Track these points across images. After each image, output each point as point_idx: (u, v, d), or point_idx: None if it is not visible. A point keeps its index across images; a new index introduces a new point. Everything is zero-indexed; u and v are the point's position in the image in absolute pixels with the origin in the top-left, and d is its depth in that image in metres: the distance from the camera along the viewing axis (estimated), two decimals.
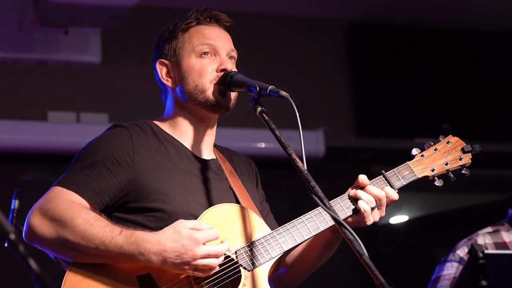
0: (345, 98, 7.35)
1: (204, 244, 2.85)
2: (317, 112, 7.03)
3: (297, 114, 2.86)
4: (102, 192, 2.99)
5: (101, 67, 6.64)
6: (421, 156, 3.25)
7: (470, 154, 3.32)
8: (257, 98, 3.00)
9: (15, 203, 4.50)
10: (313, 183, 2.81)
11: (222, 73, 3.16)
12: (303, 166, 2.84)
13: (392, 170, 3.21)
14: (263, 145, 6.72)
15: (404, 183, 3.21)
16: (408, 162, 3.24)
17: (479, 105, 7.52)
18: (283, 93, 2.94)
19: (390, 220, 7.77)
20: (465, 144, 3.32)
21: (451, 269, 4.17)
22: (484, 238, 4.22)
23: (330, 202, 3.04)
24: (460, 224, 7.12)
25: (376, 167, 6.98)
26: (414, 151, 3.26)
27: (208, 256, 2.85)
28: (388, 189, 3.14)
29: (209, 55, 3.19)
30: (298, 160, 2.85)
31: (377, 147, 7.26)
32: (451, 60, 7.56)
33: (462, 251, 4.20)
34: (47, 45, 6.43)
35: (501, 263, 3.43)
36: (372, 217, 3.12)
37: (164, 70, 3.24)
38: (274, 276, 3.19)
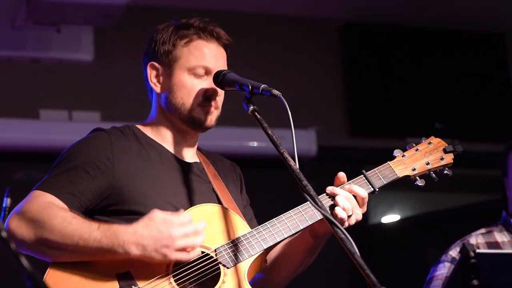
0: (338, 97, 7.36)
1: (180, 226, 2.86)
2: (309, 111, 7.03)
3: (289, 113, 2.87)
4: (81, 195, 3.01)
5: (93, 66, 6.63)
6: (402, 156, 3.28)
7: (452, 154, 3.32)
8: (250, 97, 3.02)
9: (7, 201, 4.50)
10: (305, 182, 2.82)
11: (210, 97, 3.17)
12: (295, 165, 2.85)
13: (373, 170, 3.23)
14: (255, 144, 6.72)
15: (385, 182, 3.23)
16: (389, 162, 3.26)
17: (471, 105, 7.53)
18: (275, 92, 2.95)
19: (382, 220, 7.78)
20: (447, 145, 3.33)
21: (443, 269, 4.20)
22: (476, 238, 4.25)
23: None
24: (452, 223, 7.13)
25: (369, 166, 6.93)
26: (396, 152, 3.29)
27: (186, 236, 2.86)
28: (354, 187, 3.14)
29: (202, 74, 3.19)
30: (290, 159, 2.86)
31: (369, 147, 7.26)
32: (444, 60, 7.57)
33: (454, 252, 4.23)
34: (39, 43, 6.42)
35: (492, 262, 3.44)
36: (347, 223, 3.10)
37: (154, 73, 3.24)
38: (256, 280, 3.19)
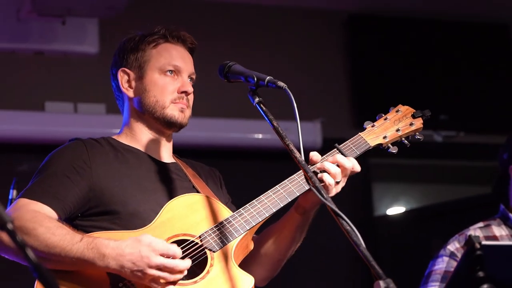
0: (343, 89, 7.35)
1: (162, 255, 2.85)
2: (314, 103, 7.03)
3: (295, 105, 2.87)
4: (64, 199, 3.05)
5: (98, 58, 6.63)
6: (372, 127, 3.33)
7: (421, 119, 3.39)
8: (255, 88, 3.03)
9: (13, 193, 4.52)
10: (310, 173, 2.83)
11: (182, 94, 3.25)
12: (301, 157, 2.86)
13: (345, 142, 3.26)
14: (260, 136, 6.71)
15: (358, 153, 3.24)
16: (360, 133, 3.30)
17: (476, 96, 7.51)
18: (281, 83, 2.95)
19: (387, 211, 7.79)
20: (415, 111, 3.39)
21: (442, 264, 4.20)
22: (474, 232, 4.24)
23: (289, 178, 3.11)
24: (457, 215, 7.12)
25: (373, 158, 6.98)
26: (366, 124, 3.34)
27: (162, 268, 2.85)
28: (339, 156, 3.15)
29: (173, 74, 3.27)
30: (295, 151, 2.87)
31: None
32: (449, 52, 7.56)
33: (452, 246, 4.22)
34: (44, 35, 6.42)
35: (498, 254, 3.43)
36: (335, 189, 3.10)
37: (125, 78, 3.33)
38: (251, 268, 3.19)
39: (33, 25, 6.37)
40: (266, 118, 2.98)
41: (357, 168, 3.16)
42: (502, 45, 7.72)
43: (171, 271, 2.87)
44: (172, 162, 3.33)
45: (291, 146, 2.89)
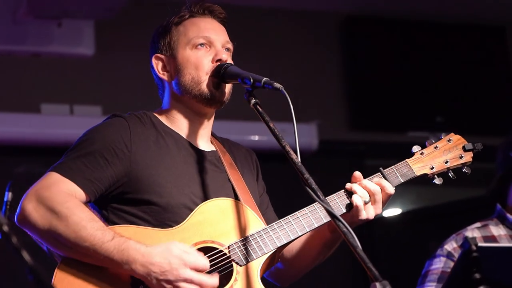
0: (339, 91, 7.35)
1: (191, 269, 2.84)
2: (310, 105, 7.03)
3: (291, 107, 2.86)
4: (98, 182, 2.99)
5: (94, 60, 6.63)
6: (421, 154, 3.24)
7: (471, 152, 3.29)
8: (251, 90, 3.00)
9: (8, 195, 4.50)
10: (307, 175, 2.81)
11: (218, 63, 3.15)
12: (297, 158, 2.84)
13: (390, 168, 3.19)
14: (256, 137, 6.71)
15: (402, 181, 3.19)
16: (407, 160, 3.22)
17: (472, 98, 7.52)
18: (277, 85, 2.94)
19: (383, 213, 7.78)
20: (466, 143, 3.29)
21: (439, 264, 4.19)
22: (472, 233, 4.23)
23: (326, 198, 3.02)
24: (453, 217, 7.12)
25: (370, 160, 6.98)
26: (415, 148, 3.24)
27: (190, 282, 2.84)
28: (384, 182, 3.12)
29: (205, 46, 3.18)
30: (292, 152, 2.86)
31: (370, 141, 7.26)
32: (445, 54, 7.56)
33: (450, 246, 4.22)
34: (40, 37, 6.42)
35: (495, 256, 3.43)
36: (365, 212, 3.09)
37: (160, 64, 3.24)
38: (272, 271, 3.21)
39: (29, 27, 6.37)
40: (263, 120, 2.97)
41: (389, 190, 3.13)
42: (498, 46, 7.73)
43: (200, 285, 2.85)
44: (211, 151, 3.24)
45: (288, 148, 2.87)
